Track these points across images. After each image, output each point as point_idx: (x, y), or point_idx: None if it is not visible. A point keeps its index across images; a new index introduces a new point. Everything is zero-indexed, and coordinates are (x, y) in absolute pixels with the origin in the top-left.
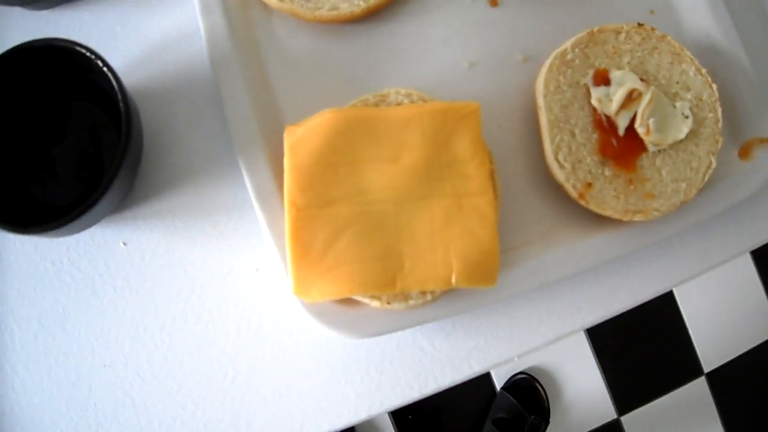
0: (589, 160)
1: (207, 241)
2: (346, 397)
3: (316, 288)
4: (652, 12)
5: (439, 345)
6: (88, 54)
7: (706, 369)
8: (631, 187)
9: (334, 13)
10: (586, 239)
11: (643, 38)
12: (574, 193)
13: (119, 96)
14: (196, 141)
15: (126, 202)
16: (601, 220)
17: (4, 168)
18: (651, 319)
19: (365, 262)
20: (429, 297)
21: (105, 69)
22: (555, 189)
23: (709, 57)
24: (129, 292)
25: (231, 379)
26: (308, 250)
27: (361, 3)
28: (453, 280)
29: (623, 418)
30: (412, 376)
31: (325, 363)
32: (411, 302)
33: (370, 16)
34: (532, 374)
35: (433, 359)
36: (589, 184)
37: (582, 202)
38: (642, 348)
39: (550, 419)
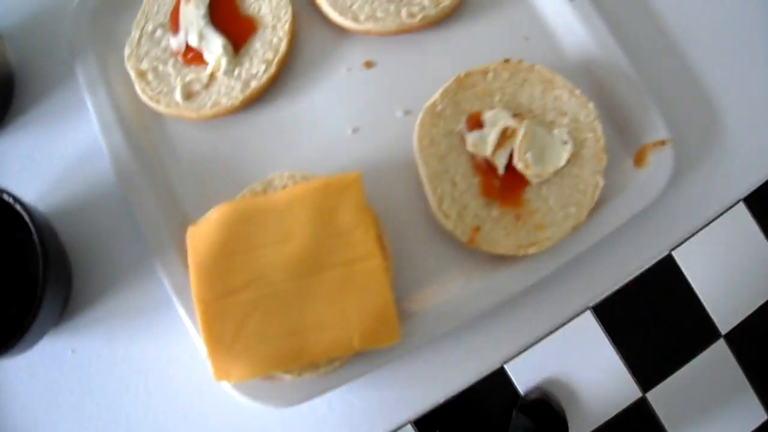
0: (474, 204)
1: (144, 337)
2: None
3: (233, 371)
4: (526, 39)
5: (367, 397)
6: None
7: (723, 330)
8: (520, 222)
9: (217, 108)
10: (487, 279)
11: (512, 73)
12: (463, 239)
13: (31, 225)
14: (119, 248)
15: (67, 313)
16: (500, 258)
17: None
18: (658, 290)
19: (272, 341)
20: (337, 363)
21: (16, 204)
22: (448, 236)
23: (593, 71)
24: (84, 394)
25: None
26: (220, 338)
27: (239, 95)
28: (355, 344)
29: (648, 395)
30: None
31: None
32: (321, 370)
33: (251, 104)
34: (542, 386)
35: (363, 412)
36: (477, 228)
37: (473, 246)
38: (655, 321)
39: (574, 412)
